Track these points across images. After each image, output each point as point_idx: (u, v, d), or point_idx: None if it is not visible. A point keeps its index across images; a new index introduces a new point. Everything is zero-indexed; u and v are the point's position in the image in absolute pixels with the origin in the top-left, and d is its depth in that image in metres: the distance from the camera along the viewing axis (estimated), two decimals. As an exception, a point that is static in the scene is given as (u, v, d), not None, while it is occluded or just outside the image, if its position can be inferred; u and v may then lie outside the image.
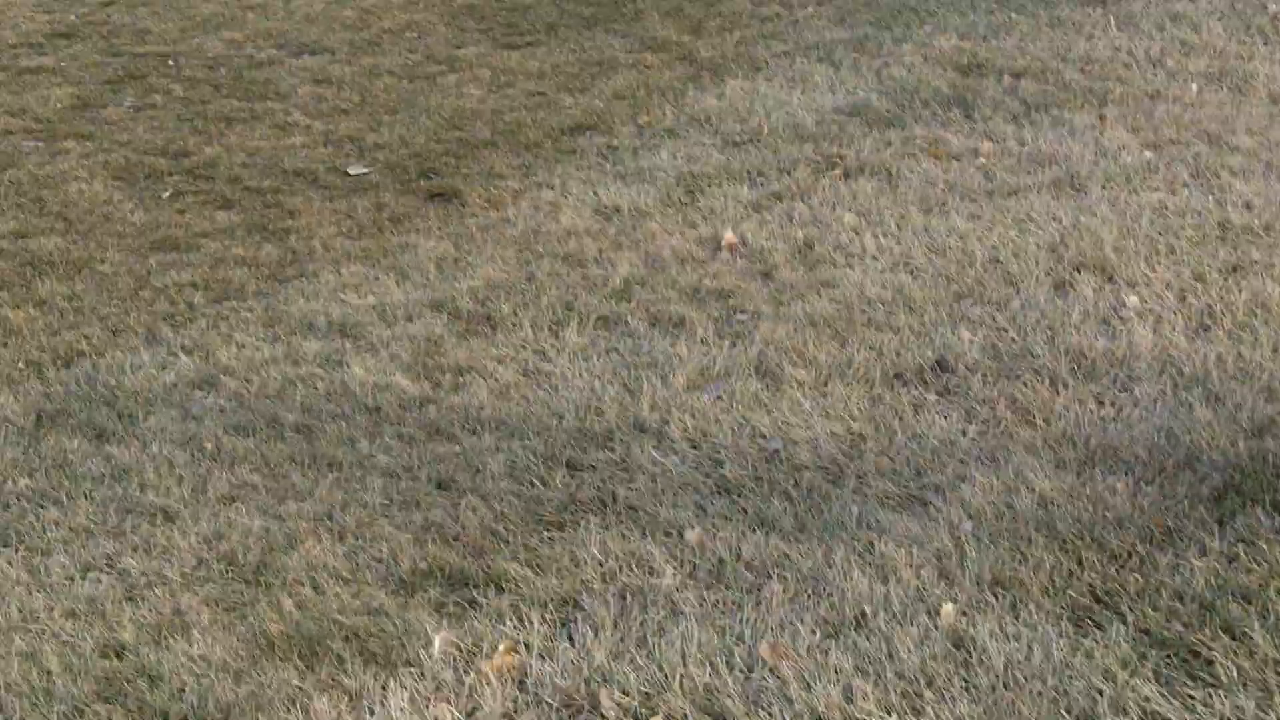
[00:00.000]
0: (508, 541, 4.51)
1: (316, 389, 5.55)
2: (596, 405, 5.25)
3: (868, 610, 3.93)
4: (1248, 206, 6.28)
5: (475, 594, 4.22)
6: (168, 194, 7.82)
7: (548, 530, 4.56)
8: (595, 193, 7.26)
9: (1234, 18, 8.60)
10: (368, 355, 5.79)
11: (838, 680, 3.67)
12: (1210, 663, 3.61)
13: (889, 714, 3.56)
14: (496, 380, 5.50)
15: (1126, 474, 4.51)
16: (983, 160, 7.10)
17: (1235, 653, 3.62)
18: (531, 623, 4.02)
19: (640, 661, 3.83)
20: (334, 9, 11.31)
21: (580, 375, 5.49)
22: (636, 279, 6.26)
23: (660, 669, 3.78)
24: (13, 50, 10.84)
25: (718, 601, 4.08)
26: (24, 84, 9.76)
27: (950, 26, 9.11)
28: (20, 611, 4.32)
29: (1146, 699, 3.52)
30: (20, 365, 6.03)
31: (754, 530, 4.43)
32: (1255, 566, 3.93)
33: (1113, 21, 8.78)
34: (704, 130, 7.98)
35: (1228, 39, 8.27)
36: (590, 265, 6.45)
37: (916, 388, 5.20)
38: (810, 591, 4.07)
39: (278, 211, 7.48)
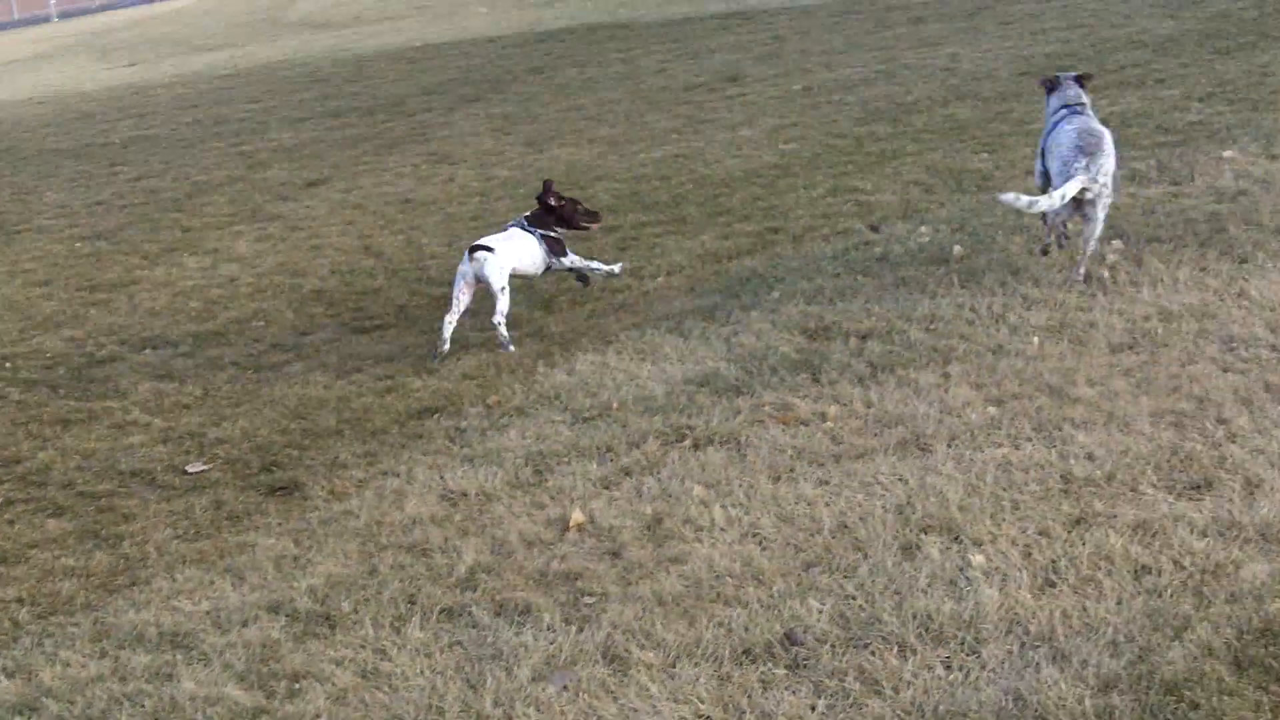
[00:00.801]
0: None
1: (143, 707, 5.34)
2: (437, 705, 5.09)
3: None
4: (1090, 458, 6.26)
5: None
6: (-3, 504, 7.61)
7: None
8: (442, 477, 7.14)
9: (1074, 268, 8.68)
10: (199, 666, 5.58)
11: None
12: None
13: None
14: (334, 685, 5.31)
15: (975, 742, 4.42)
16: (830, 424, 7.06)
17: None
18: None
19: None
20: (179, 301, 11.23)
21: (422, 674, 5.32)
22: (483, 566, 6.13)
23: None
24: None
25: None
26: None
27: (798, 292, 9.13)
28: None
29: None
30: None
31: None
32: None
33: (956, 279, 8.83)
34: (553, 407, 7.90)
35: (1067, 290, 8.33)
36: (435, 554, 6.31)
37: (766, 663, 5.09)
38: None
39: (111, 516, 7.27)
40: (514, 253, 9.35)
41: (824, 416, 7.16)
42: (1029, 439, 6.57)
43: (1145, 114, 12.43)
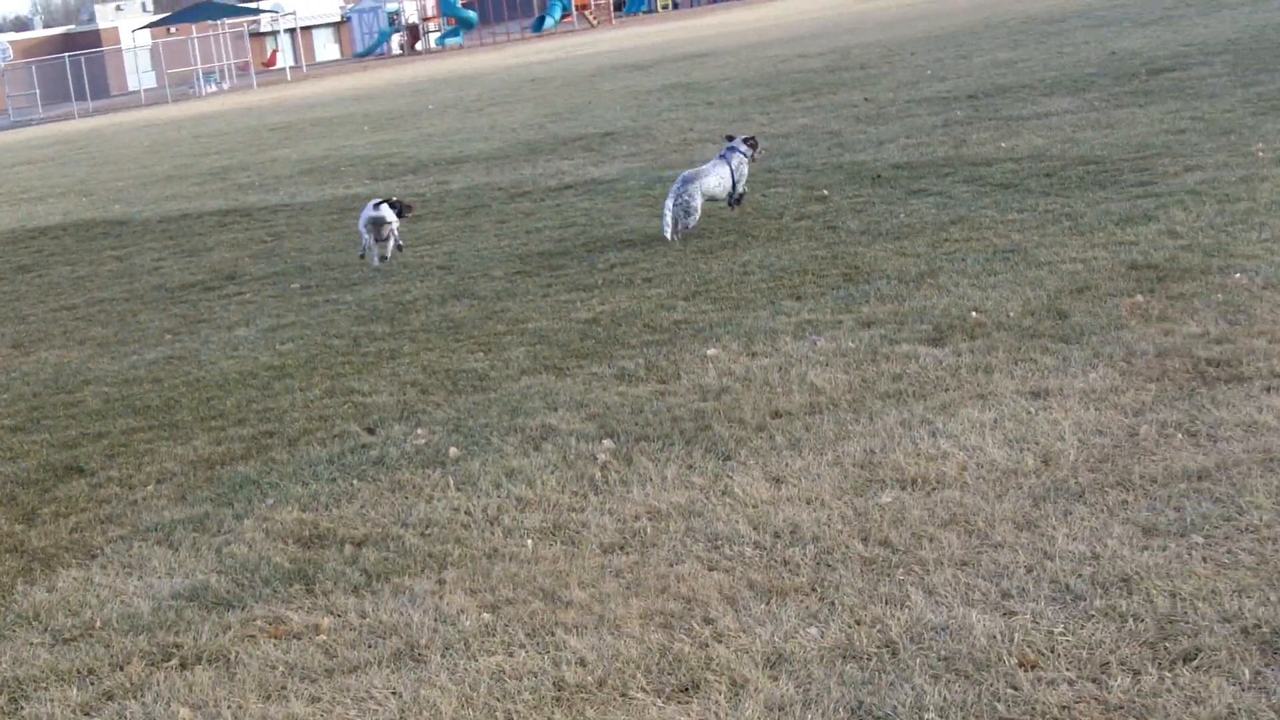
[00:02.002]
0: None
1: None
2: None
3: None
4: (582, 663, 6.29)
5: None
6: None
7: None
8: (-95, 718, 6.68)
9: (566, 469, 8.78)
10: None
11: None
12: None
13: None
14: None
15: None
16: (323, 637, 6.91)
17: None
18: None
19: None
20: None
21: None
22: (-53, 810, 5.73)
23: None
24: None
25: None
26: None
27: (292, 498, 8.97)
28: None
29: None
30: None
31: None
32: None
33: (452, 482, 8.83)
34: (32, 628, 7.50)
35: (561, 491, 8.42)
36: (-105, 799, 5.87)
37: None
38: None
39: None
40: (391, 211, 16.87)
41: (317, 629, 7.01)
42: (523, 645, 6.56)
43: (634, 313, 12.77)
